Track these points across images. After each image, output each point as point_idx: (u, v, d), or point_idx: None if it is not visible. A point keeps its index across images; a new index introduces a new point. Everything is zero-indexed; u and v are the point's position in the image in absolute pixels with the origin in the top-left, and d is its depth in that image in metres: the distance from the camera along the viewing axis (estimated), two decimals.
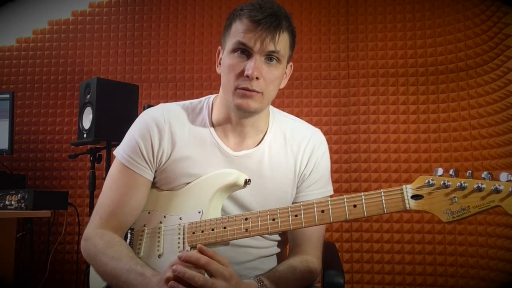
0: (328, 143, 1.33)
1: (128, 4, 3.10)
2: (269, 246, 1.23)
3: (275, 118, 1.25)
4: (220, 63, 1.17)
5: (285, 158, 1.21)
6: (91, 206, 2.43)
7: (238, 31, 1.08)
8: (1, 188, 2.35)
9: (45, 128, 3.08)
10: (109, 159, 2.45)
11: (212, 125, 1.19)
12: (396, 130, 2.71)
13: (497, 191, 0.84)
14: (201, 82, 2.96)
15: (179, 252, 1.10)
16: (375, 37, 2.80)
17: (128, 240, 1.20)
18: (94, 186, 2.41)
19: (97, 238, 1.12)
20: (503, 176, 0.85)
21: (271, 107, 1.25)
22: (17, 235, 2.46)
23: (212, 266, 0.97)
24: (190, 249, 1.10)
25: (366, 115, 2.76)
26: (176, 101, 1.24)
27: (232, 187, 1.12)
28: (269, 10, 1.07)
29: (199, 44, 3.00)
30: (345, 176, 2.74)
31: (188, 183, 1.16)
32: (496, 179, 0.87)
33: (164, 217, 1.16)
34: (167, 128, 1.16)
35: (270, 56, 1.09)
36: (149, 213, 1.19)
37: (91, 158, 2.42)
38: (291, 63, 1.20)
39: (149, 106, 2.32)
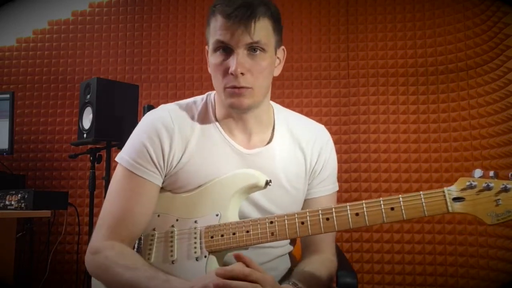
0: None
1: (128, 4, 3.10)
2: (284, 245, 1.19)
3: (279, 114, 1.21)
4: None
5: (294, 155, 1.17)
6: (91, 206, 2.43)
7: (215, 29, 1.04)
8: (1, 188, 2.34)
9: (45, 128, 3.08)
10: (109, 159, 2.44)
11: (218, 121, 1.14)
12: (396, 130, 2.71)
13: None
14: (201, 82, 2.96)
15: (196, 257, 1.05)
16: (375, 37, 2.80)
17: (136, 245, 1.12)
18: (94, 186, 2.41)
19: (108, 249, 1.04)
20: None
21: (273, 103, 1.21)
22: (17, 235, 2.46)
23: (254, 276, 0.91)
24: (209, 254, 1.04)
25: (366, 115, 2.76)
26: (176, 101, 1.21)
27: (252, 189, 1.07)
28: (238, 2, 1.01)
29: (199, 44, 3.00)
30: (345, 176, 2.74)
31: (203, 184, 1.09)
32: None
33: (177, 220, 1.09)
34: (176, 129, 1.09)
35: (253, 47, 1.03)
36: (158, 216, 1.11)
37: (91, 158, 2.42)
38: (283, 47, 1.13)
39: (149, 106, 2.33)
